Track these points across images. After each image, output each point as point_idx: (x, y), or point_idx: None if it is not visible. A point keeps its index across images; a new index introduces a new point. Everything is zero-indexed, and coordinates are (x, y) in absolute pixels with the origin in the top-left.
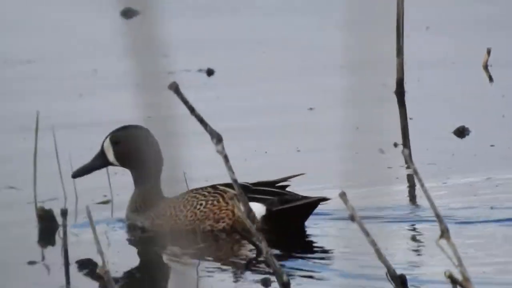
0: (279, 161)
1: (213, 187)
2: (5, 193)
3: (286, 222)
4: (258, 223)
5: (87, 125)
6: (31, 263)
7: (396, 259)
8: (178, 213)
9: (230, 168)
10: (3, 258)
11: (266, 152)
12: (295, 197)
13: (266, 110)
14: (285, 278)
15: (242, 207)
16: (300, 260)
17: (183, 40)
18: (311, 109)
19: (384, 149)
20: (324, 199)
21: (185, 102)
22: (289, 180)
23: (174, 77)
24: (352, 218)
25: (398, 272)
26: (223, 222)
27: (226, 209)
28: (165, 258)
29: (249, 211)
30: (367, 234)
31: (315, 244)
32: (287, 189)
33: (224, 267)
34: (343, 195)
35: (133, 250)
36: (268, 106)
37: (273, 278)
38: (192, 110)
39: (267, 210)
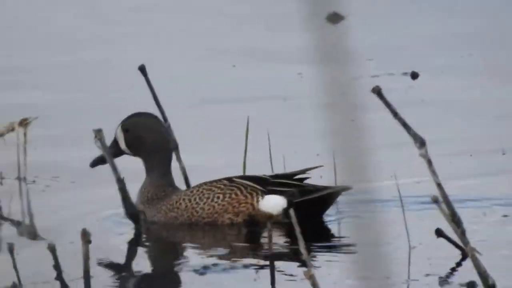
0: (484, 163)
1: (229, 179)
2: None
3: (308, 213)
4: (279, 216)
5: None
6: (246, 266)
7: None
8: (194, 205)
9: (434, 172)
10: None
11: (471, 155)
12: (316, 188)
13: (470, 113)
14: (490, 281)
15: (445, 210)
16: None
17: (388, 43)
18: None
19: None
20: (347, 188)
21: (388, 105)
22: (307, 172)
23: (378, 81)
24: None
25: None
26: (243, 215)
27: (246, 202)
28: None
29: (454, 215)
30: None
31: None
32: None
33: (429, 270)
34: None
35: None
36: (472, 109)
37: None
38: (395, 114)
39: (288, 202)
